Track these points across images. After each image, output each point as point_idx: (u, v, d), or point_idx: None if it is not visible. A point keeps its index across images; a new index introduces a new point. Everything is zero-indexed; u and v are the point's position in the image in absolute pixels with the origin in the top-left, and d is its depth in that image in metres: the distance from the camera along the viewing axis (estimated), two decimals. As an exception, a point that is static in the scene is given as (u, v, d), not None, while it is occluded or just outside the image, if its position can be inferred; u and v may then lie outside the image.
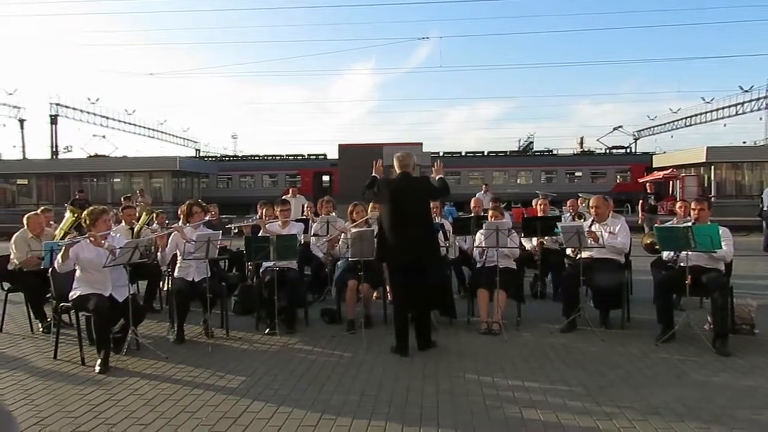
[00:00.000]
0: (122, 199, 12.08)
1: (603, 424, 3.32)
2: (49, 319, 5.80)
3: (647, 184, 18.20)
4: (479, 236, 5.89)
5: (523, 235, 6.80)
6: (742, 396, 3.74)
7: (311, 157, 36.47)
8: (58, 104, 36.95)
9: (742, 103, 34.86)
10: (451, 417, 3.45)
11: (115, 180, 30.88)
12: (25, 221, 6.16)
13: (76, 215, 6.16)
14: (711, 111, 37.20)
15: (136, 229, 6.96)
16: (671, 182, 24.76)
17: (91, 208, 5.11)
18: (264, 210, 7.47)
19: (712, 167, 26.28)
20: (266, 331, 5.55)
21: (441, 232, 6.37)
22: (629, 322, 5.62)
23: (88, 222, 4.90)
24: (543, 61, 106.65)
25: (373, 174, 5.24)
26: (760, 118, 35.63)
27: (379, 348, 4.97)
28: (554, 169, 34.01)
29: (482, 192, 13.50)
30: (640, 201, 13.71)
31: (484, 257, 5.87)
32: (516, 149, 45.51)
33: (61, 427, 3.40)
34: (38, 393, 3.99)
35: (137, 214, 7.49)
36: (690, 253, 4.98)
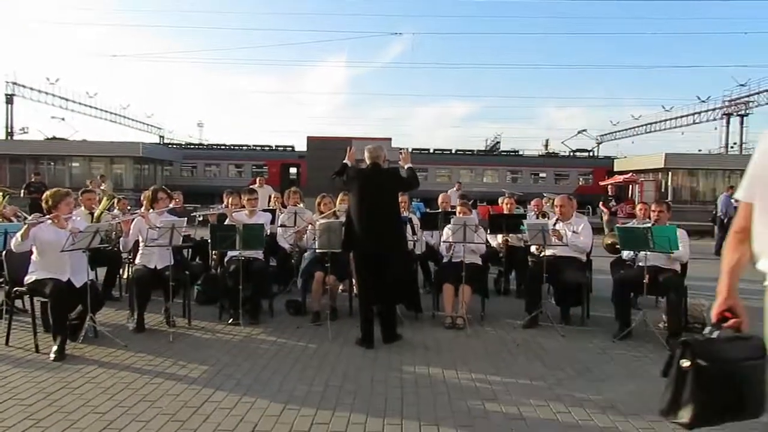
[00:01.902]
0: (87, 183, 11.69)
1: (562, 416, 3.40)
2: (0, 305, 5.57)
3: (609, 187, 18.76)
4: (447, 231, 5.94)
5: (489, 231, 6.90)
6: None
7: (279, 148, 36.03)
8: (14, 83, 35.38)
9: (699, 113, 36.18)
10: (415, 408, 3.48)
11: (74, 165, 29.79)
12: None
13: (109, 198, 6.57)
14: (670, 119, 38.46)
15: (96, 215, 6.74)
16: (630, 186, 25.51)
17: (54, 189, 4.93)
18: (230, 199, 7.36)
19: (670, 173, 27.22)
20: (229, 321, 5.48)
21: (409, 226, 6.40)
22: (588, 319, 5.77)
23: (50, 203, 4.73)
24: (512, 63, 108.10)
25: (345, 161, 5.21)
26: (715, 128, 36.97)
27: (344, 340, 4.97)
28: (520, 170, 34.56)
29: (454, 189, 13.92)
30: (601, 203, 14.06)
31: (450, 252, 5.93)
32: (483, 149, 46.05)
33: (13, 414, 3.28)
34: (-12, 380, 3.83)
35: (98, 199, 7.26)
36: (648, 253, 5.15)
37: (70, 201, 4.87)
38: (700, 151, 35.89)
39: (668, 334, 4.98)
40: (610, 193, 15.79)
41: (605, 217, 13.48)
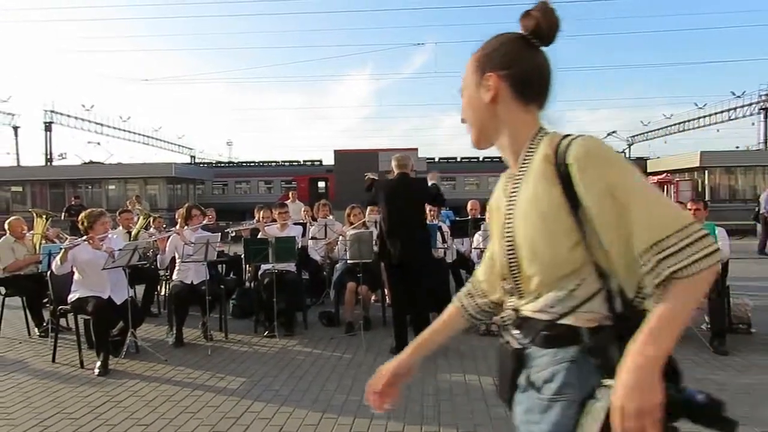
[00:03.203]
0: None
1: (603, 421, 3.33)
2: (46, 323, 5.79)
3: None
4: (477, 237, 5.92)
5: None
6: (741, 393, 3.77)
7: (307, 163, 36.46)
8: (52, 111, 36.80)
9: (735, 109, 35.14)
10: (452, 416, 3.47)
11: (110, 187, 30.73)
12: (6, 227, 6.15)
13: (146, 217, 6.84)
14: (704, 116, 37.48)
15: (133, 233, 6.96)
16: (665, 187, 24.92)
17: (89, 210, 5.11)
18: (261, 213, 7.48)
19: (706, 172, 26.47)
20: (265, 334, 5.55)
21: (439, 234, 6.39)
22: (627, 323, 5.64)
23: (86, 224, 4.90)
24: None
25: (371, 176, 5.26)
26: (753, 123, 35.84)
27: (379, 349, 4.98)
28: (550, 175, 34.09)
29: None
30: None
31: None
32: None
33: (62, 428, 3.38)
34: (38, 395, 3.97)
35: (135, 219, 7.49)
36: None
37: (105, 221, 5.01)
38: (737, 148, 34.88)
39: (711, 335, 4.83)
40: None
41: None
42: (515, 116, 1.23)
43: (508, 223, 1.22)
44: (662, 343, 0.99)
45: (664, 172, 26.05)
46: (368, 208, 6.79)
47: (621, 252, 1.08)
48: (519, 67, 1.22)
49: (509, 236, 1.21)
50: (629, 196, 1.05)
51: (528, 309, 1.19)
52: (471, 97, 1.28)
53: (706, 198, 24.45)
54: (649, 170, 29.96)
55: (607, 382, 1.04)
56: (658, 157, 33.19)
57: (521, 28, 1.24)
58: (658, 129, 41.49)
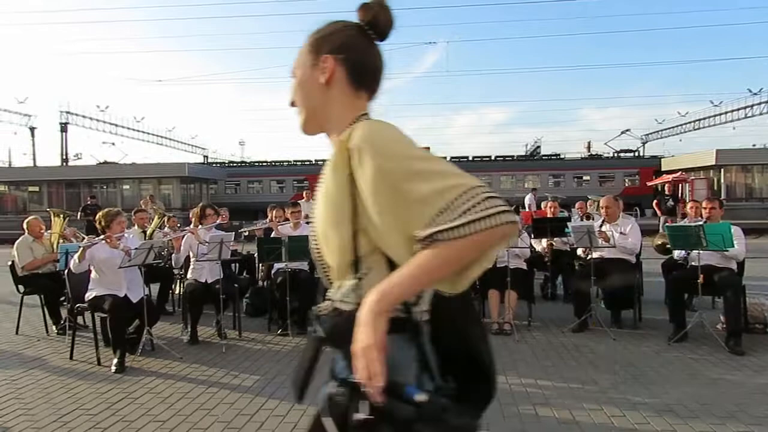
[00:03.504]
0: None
1: (617, 420, 3.32)
2: (63, 321, 5.88)
3: (665, 185, 18.06)
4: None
5: (533, 236, 6.81)
6: (757, 393, 3.73)
7: (318, 162, 36.57)
8: (68, 112, 37.31)
9: (752, 106, 34.63)
10: (465, 414, 3.47)
11: (125, 187, 31.08)
12: (25, 226, 6.25)
13: (160, 216, 6.95)
14: (720, 114, 37.02)
15: (148, 233, 7.06)
16: (680, 185, 24.63)
17: (106, 210, 5.18)
18: (274, 212, 7.53)
19: (722, 170, 26.16)
20: (278, 332, 5.59)
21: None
22: (641, 322, 5.62)
23: (103, 223, 4.97)
24: (548, 65, 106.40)
25: None
26: (770, 121, 35.35)
27: (391, 348, 4.99)
28: (562, 173, 33.90)
29: (531, 195, 14.80)
30: (656, 201, 13.34)
31: (495, 258, 5.87)
32: (523, 154, 45.42)
33: (80, 423, 3.44)
34: (56, 391, 4.04)
35: (150, 218, 7.58)
36: (702, 252, 4.98)
37: (121, 220, 5.09)
38: (754, 146, 34.37)
39: (727, 336, 4.78)
40: (666, 192, 14.99)
41: (661, 216, 12.77)
42: (346, 101, 1.23)
43: (314, 210, 1.22)
44: (387, 291, 1.01)
45: (679, 170, 25.73)
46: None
47: (402, 240, 1.06)
48: (355, 53, 1.23)
49: (313, 225, 1.23)
50: (406, 181, 1.03)
51: (336, 299, 1.18)
52: (304, 79, 1.26)
53: (722, 196, 24.17)
54: (663, 168, 29.69)
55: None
56: (673, 156, 32.84)
57: (359, 18, 1.25)
58: (673, 127, 41.07)
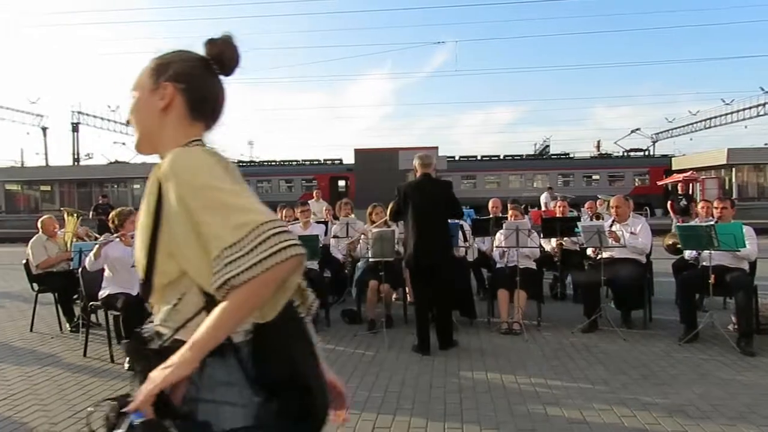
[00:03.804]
0: None
1: (627, 420, 3.32)
2: (77, 319, 5.95)
3: (678, 185, 17.92)
4: (499, 236, 5.91)
5: (542, 236, 6.80)
6: (768, 394, 3.71)
7: (327, 162, 36.64)
8: (79, 112, 37.76)
9: (764, 104, 34.28)
10: (475, 413, 3.49)
11: (135, 186, 31.36)
12: (39, 225, 6.33)
13: None
14: (731, 113, 36.69)
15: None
16: (691, 185, 24.45)
17: (119, 209, 5.25)
18: (284, 212, 7.58)
19: (734, 169, 25.96)
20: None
21: (460, 232, 6.39)
22: (651, 323, 5.60)
23: (116, 222, 5.03)
24: (557, 64, 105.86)
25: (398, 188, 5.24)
26: (783, 120, 34.98)
27: (401, 347, 5.02)
28: (571, 173, 33.73)
29: (546, 194, 15.13)
30: (670, 201, 13.18)
31: (505, 258, 5.89)
32: (532, 153, 45.24)
33: (95, 419, 3.48)
34: (71, 388, 4.10)
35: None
36: (713, 252, 4.95)
37: (134, 219, 5.15)
38: (766, 144, 34.00)
39: (738, 336, 4.76)
40: (679, 191, 14.73)
41: (674, 216, 12.59)
42: (180, 128, 1.25)
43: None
44: (197, 341, 1.05)
45: (689, 169, 25.55)
46: (390, 205, 6.82)
47: (205, 267, 1.08)
48: (196, 85, 1.25)
49: (135, 249, 1.24)
50: (200, 213, 1.06)
51: (156, 322, 1.20)
52: (143, 101, 1.27)
53: (734, 196, 23.96)
54: (674, 168, 29.48)
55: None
56: (684, 155, 32.60)
57: (205, 52, 1.27)
58: (684, 126, 40.76)
